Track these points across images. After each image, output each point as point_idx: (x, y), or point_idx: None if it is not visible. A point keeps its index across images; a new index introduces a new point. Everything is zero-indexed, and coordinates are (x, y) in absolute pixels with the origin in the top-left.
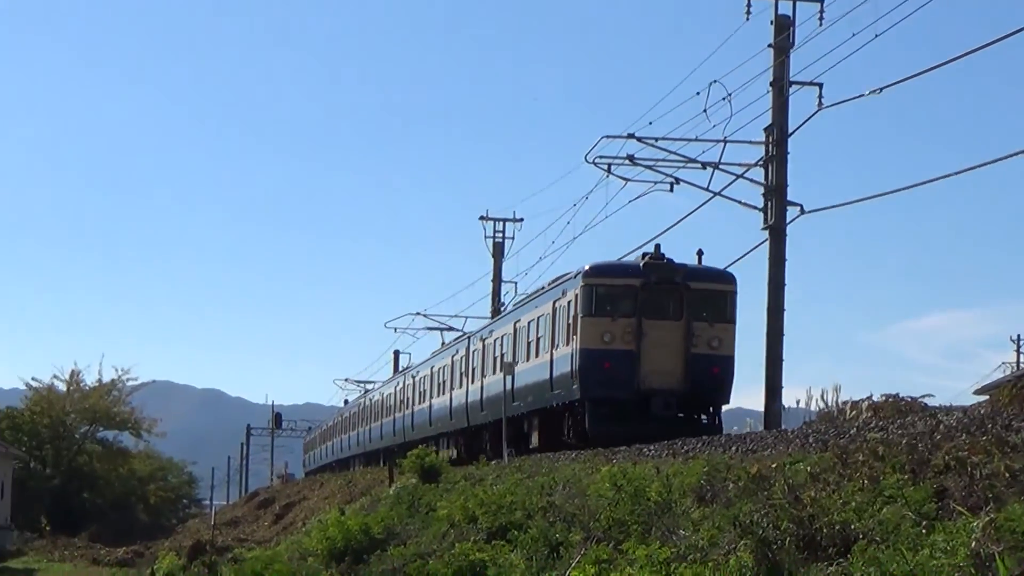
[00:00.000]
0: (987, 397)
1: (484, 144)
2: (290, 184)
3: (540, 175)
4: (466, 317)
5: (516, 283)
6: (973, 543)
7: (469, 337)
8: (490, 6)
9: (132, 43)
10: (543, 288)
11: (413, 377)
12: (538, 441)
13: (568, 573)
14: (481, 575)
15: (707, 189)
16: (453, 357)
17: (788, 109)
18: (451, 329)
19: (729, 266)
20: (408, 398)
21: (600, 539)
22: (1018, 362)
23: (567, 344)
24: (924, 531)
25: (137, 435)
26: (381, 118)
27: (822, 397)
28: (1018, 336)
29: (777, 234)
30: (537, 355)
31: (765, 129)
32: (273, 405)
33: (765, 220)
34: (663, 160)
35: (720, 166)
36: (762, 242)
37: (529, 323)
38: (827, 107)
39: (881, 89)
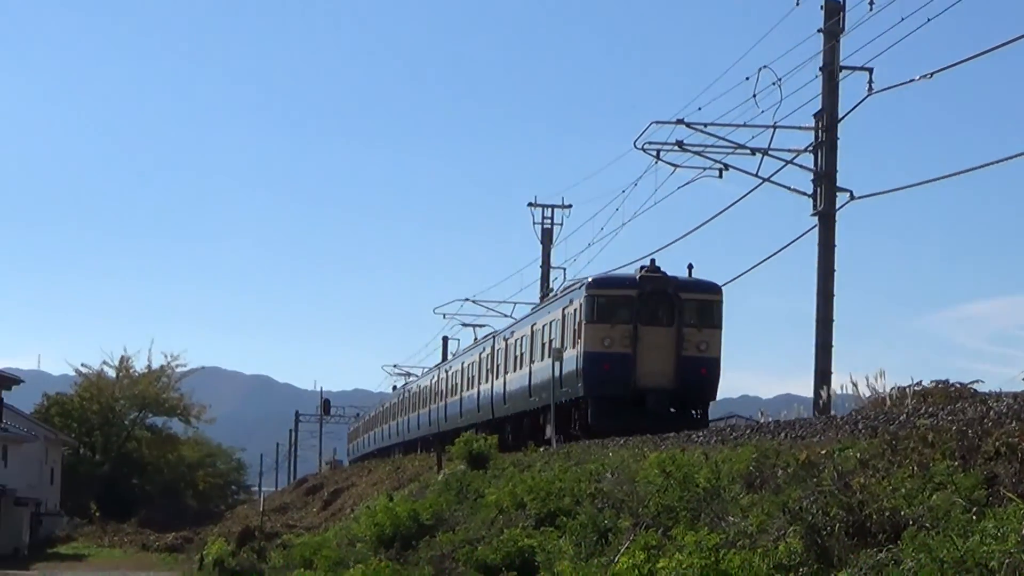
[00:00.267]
0: None
1: (533, 130)
2: (340, 171)
3: (589, 161)
4: (515, 303)
5: (565, 269)
6: None
7: (495, 336)
8: None
9: (185, 27)
10: (556, 295)
11: (447, 371)
12: (553, 433)
13: (617, 559)
14: (530, 561)
15: (756, 175)
16: (481, 354)
17: (838, 94)
18: (502, 315)
19: (778, 252)
20: (442, 391)
21: (649, 525)
22: None
23: (573, 347)
24: (974, 518)
25: (186, 421)
26: (432, 104)
27: (867, 383)
28: None
29: (826, 220)
30: (550, 355)
31: (815, 115)
32: (322, 391)
33: (814, 206)
34: (712, 146)
35: (769, 152)
36: (811, 228)
37: (543, 327)
38: (877, 92)
39: (932, 74)
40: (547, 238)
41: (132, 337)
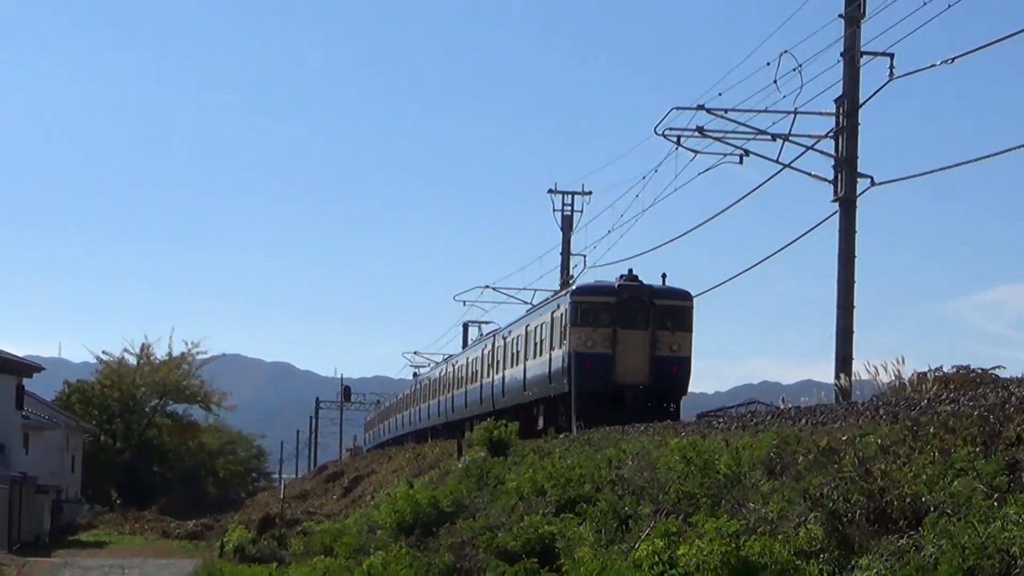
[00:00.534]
0: None
1: (554, 117)
2: (362, 159)
3: (609, 148)
4: (535, 290)
5: (585, 256)
6: None
7: (495, 334)
8: None
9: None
10: (547, 299)
11: (454, 365)
12: (543, 424)
13: (637, 546)
14: (550, 548)
15: (777, 161)
16: (484, 350)
17: (859, 80)
18: (522, 302)
19: (799, 239)
20: (449, 384)
21: (669, 512)
22: None
23: (560, 347)
24: (996, 504)
25: (207, 408)
26: (453, 92)
27: (887, 369)
28: None
29: (847, 206)
30: (541, 354)
31: (836, 100)
32: (342, 378)
33: (835, 192)
34: (733, 132)
35: (790, 138)
36: (832, 214)
37: (536, 328)
38: (899, 78)
39: (953, 59)
40: (567, 225)
41: (153, 324)
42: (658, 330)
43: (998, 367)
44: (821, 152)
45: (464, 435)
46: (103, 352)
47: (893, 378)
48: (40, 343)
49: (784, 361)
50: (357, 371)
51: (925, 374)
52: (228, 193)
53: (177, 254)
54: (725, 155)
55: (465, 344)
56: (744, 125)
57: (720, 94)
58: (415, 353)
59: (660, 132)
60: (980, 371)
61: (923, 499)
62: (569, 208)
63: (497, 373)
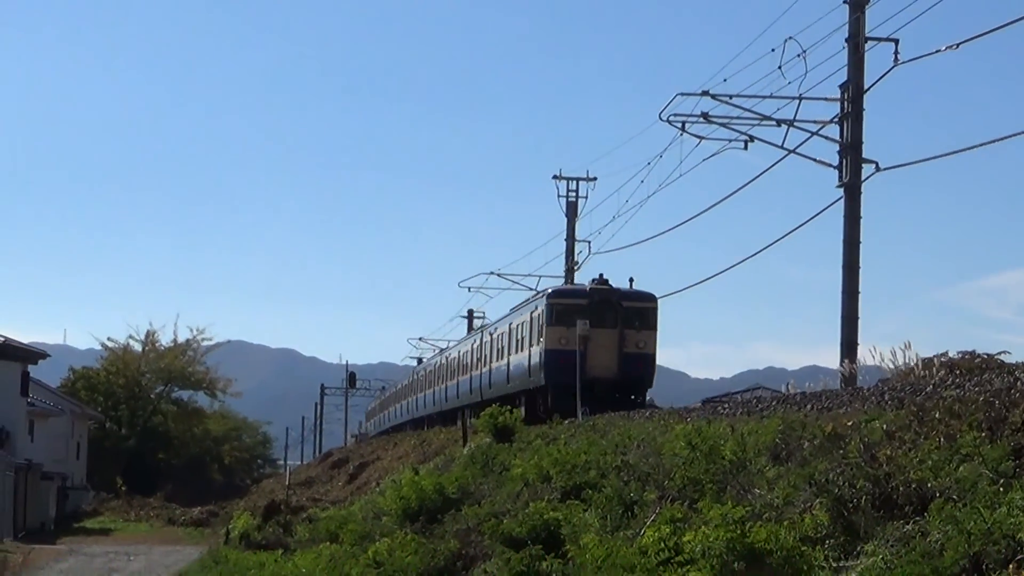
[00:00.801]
0: None
1: (559, 103)
2: (366, 146)
3: (614, 134)
4: (540, 276)
5: (590, 243)
6: None
7: (482, 330)
8: None
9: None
10: (527, 300)
11: (447, 358)
12: (524, 414)
13: (643, 532)
14: (555, 534)
15: (782, 147)
16: (473, 344)
17: (864, 65)
18: (527, 288)
19: (804, 224)
20: (443, 375)
21: (675, 498)
22: None
23: (538, 344)
24: (1001, 489)
25: (212, 395)
26: (458, 77)
27: (893, 355)
28: None
29: (852, 192)
30: (522, 350)
31: (840, 86)
32: (347, 365)
33: (840, 178)
34: (738, 117)
35: (795, 123)
36: (837, 200)
37: (518, 325)
38: (903, 63)
39: (958, 44)
40: (572, 211)
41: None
42: (625, 329)
43: (1004, 352)
44: (826, 138)
45: (467, 422)
46: (108, 339)
47: (899, 364)
48: (45, 330)
49: (789, 347)
50: (362, 358)
51: (931, 360)
52: (233, 180)
53: (182, 241)
54: (730, 141)
55: (470, 330)
56: (749, 111)
57: (725, 80)
58: (420, 340)
59: (665, 118)
60: (986, 356)
61: (928, 485)
62: (574, 194)
63: (485, 366)
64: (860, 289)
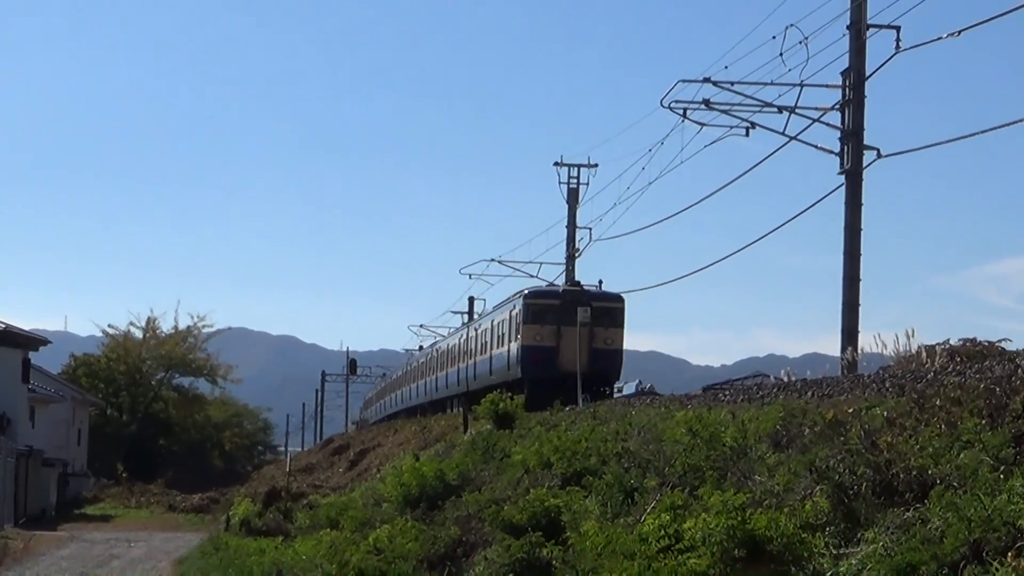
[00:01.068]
0: None
1: (560, 89)
2: (366, 132)
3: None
4: (540, 263)
5: (591, 229)
6: None
7: (467, 326)
8: None
9: None
10: (507, 299)
11: (437, 350)
12: None
13: (643, 519)
14: (556, 521)
15: (783, 133)
16: (460, 339)
17: (865, 52)
18: (527, 275)
19: (805, 211)
20: (433, 367)
21: (675, 485)
22: None
23: (516, 341)
24: (1002, 476)
25: (213, 382)
26: (459, 63)
27: (895, 341)
28: None
29: (854, 178)
30: (502, 346)
31: (842, 73)
32: (348, 351)
33: (841, 164)
34: (739, 104)
35: (796, 110)
36: (838, 187)
37: (498, 323)
38: (905, 50)
39: (960, 31)
40: (573, 198)
41: (159, 298)
42: (595, 327)
43: (1004, 340)
44: (827, 124)
45: (467, 408)
46: (109, 326)
47: (900, 351)
48: (46, 317)
49: (790, 334)
50: (363, 344)
51: (933, 347)
52: (234, 167)
53: (183, 228)
54: (731, 128)
55: (470, 317)
56: (750, 98)
57: (726, 67)
58: (421, 327)
59: (666, 105)
60: (986, 344)
61: (929, 472)
62: (575, 181)
63: (470, 359)
64: (861, 276)
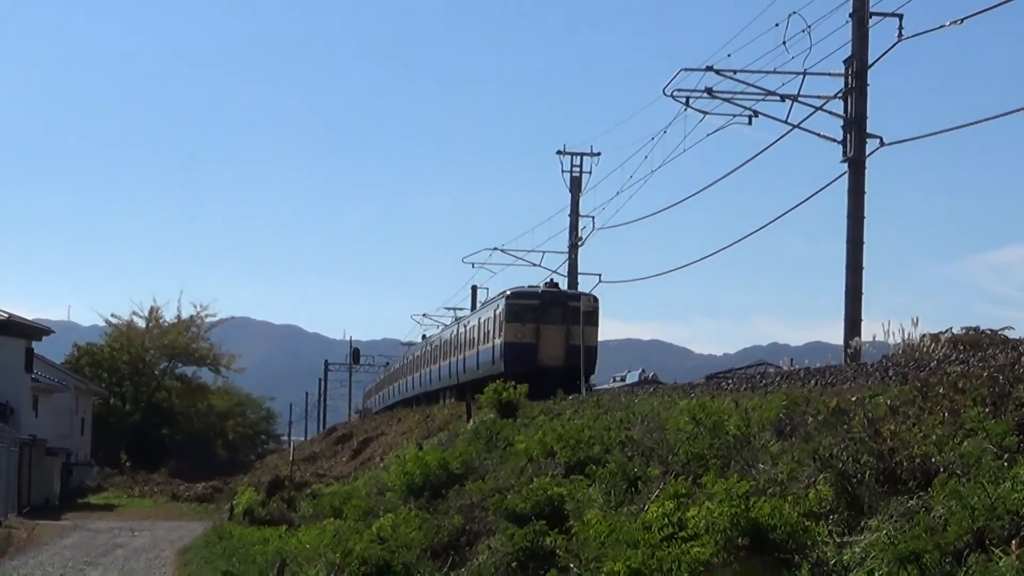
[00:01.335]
0: None
1: (563, 78)
2: (369, 120)
3: (618, 109)
4: (543, 252)
5: (594, 217)
6: None
7: (458, 322)
8: None
9: None
10: (492, 299)
11: (431, 344)
12: None
13: (647, 507)
14: (559, 510)
15: (786, 122)
16: (451, 334)
17: (868, 40)
18: (530, 264)
19: (808, 199)
20: (427, 360)
21: (679, 473)
22: None
23: (499, 338)
24: (1005, 464)
25: (216, 371)
26: (462, 52)
27: (901, 330)
28: None
29: (857, 166)
30: (487, 342)
31: (845, 61)
32: (351, 341)
33: (844, 153)
34: (742, 93)
35: (799, 98)
36: (841, 175)
37: (484, 320)
38: (908, 38)
39: (962, 20)
40: (576, 186)
41: (162, 287)
42: (571, 325)
43: (1007, 328)
44: (830, 113)
45: (473, 397)
46: (112, 315)
47: (904, 339)
48: (49, 306)
49: (793, 323)
50: (366, 334)
51: (937, 335)
52: (238, 155)
53: (186, 217)
54: (734, 116)
55: (474, 306)
56: (753, 86)
57: (729, 55)
58: (424, 315)
59: (669, 93)
60: (989, 332)
61: (932, 460)
62: (578, 169)
63: (460, 354)
64: (864, 264)
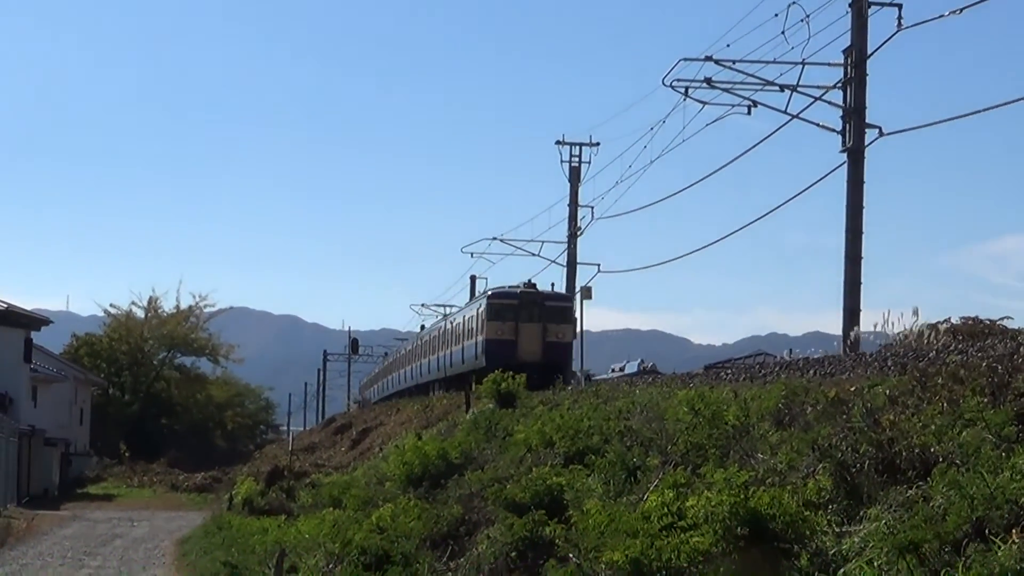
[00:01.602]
0: None
1: (562, 68)
2: (369, 109)
3: (617, 99)
4: (543, 242)
5: (592, 208)
6: None
7: (446, 318)
8: None
9: None
10: (475, 298)
11: (422, 339)
12: (474, 388)
13: (646, 497)
14: (558, 499)
15: (785, 112)
16: (440, 330)
17: (867, 30)
18: (529, 254)
19: (807, 189)
20: (418, 354)
21: (678, 463)
22: None
23: (481, 335)
24: (1004, 454)
25: (215, 361)
26: (460, 41)
27: (900, 320)
28: None
29: (856, 156)
30: (471, 338)
31: (844, 51)
32: (350, 331)
33: (843, 142)
34: (741, 83)
35: (798, 88)
36: (840, 165)
37: (468, 318)
38: (907, 28)
39: (961, 10)
40: (575, 176)
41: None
42: (548, 323)
43: (1006, 318)
44: (829, 103)
45: (472, 386)
46: (111, 305)
47: (903, 329)
48: (48, 296)
49: (792, 313)
50: (365, 324)
51: (935, 325)
52: (237, 145)
53: (185, 207)
54: (733, 106)
55: (472, 297)
56: (752, 76)
57: (728, 45)
58: (423, 305)
59: (668, 83)
60: (988, 322)
61: (932, 450)
62: (577, 159)
63: (447, 349)
64: (863, 254)
